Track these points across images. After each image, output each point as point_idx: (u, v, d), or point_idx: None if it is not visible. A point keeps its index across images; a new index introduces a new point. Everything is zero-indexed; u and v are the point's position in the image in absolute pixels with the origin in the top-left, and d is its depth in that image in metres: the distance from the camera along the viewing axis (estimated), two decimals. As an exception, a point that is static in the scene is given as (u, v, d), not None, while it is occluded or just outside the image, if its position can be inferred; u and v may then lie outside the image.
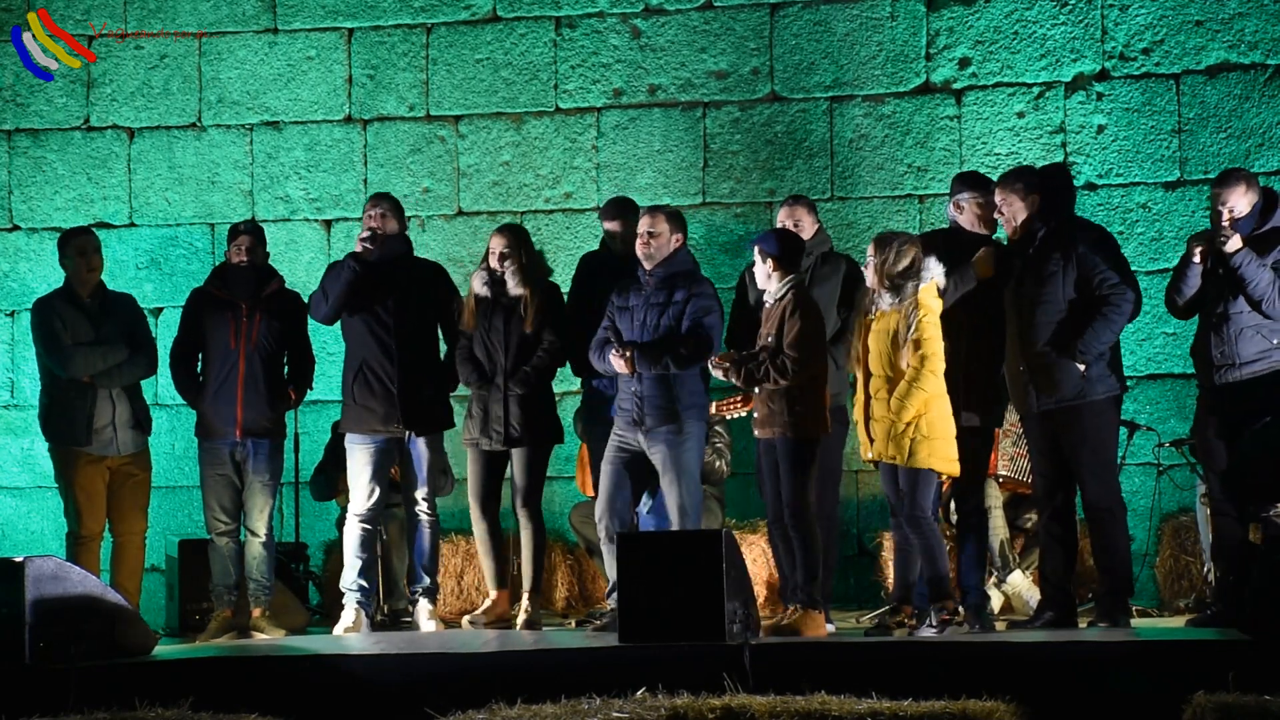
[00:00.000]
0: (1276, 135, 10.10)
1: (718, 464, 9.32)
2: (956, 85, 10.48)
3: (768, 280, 8.24)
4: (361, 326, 9.03)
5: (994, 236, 8.60)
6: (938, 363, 7.90)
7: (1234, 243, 8.01)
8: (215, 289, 9.19)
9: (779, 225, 8.73)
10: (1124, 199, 10.26)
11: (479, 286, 9.10)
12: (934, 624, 7.90)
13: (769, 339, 8.17)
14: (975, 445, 8.38)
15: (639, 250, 8.67)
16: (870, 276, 8.03)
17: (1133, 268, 8.47)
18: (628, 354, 8.46)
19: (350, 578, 9.03)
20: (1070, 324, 8.14)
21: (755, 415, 8.27)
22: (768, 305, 8.27)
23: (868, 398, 8.02)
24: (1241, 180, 8.21)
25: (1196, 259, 8.12)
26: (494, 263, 9.08)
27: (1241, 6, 10.16)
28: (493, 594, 9.20)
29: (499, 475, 9.15)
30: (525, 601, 9.05)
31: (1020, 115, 10.40)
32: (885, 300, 7.96)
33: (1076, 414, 8.16)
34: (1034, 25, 10.41)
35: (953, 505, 8.71)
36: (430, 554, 9.11)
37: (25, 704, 6.99)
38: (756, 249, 8.28)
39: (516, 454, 9.03)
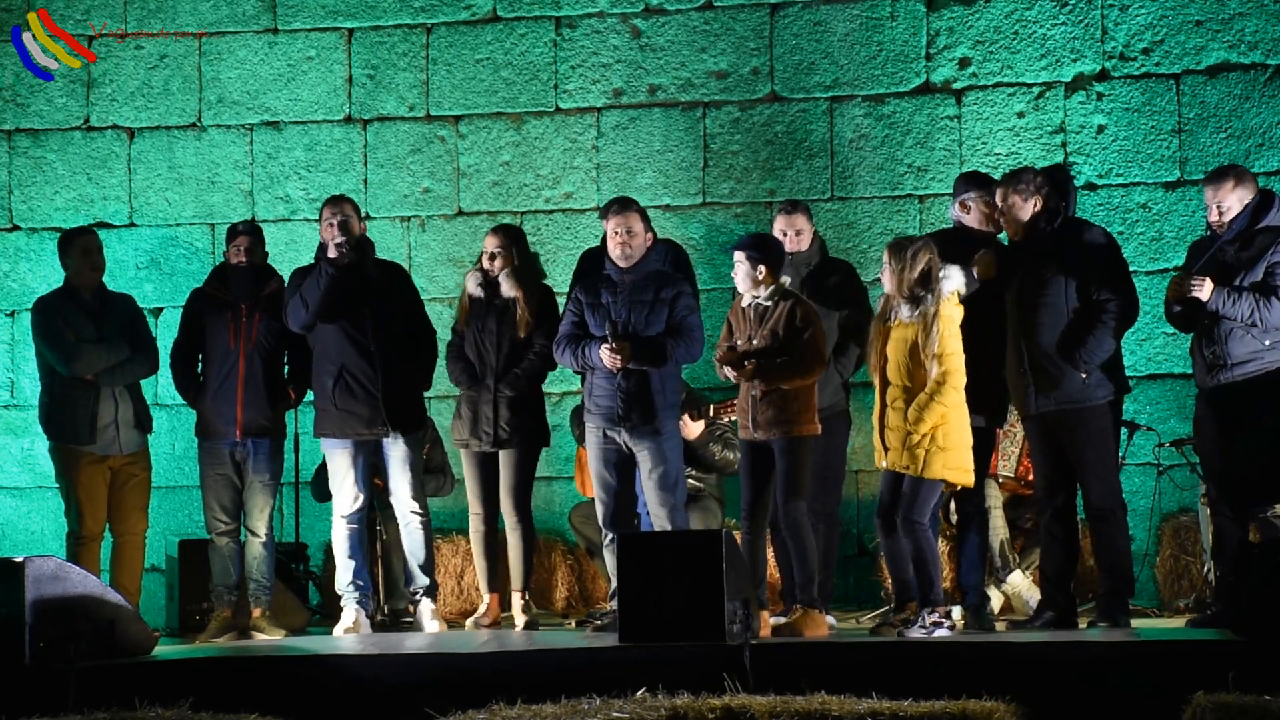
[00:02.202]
0: (1276, 135, 10.10)
1: (730, 455, 9.26)
2: (956, 85, 10.47)
3: (755, 284, 8.24)
4: (336, 331, 8.94)
5: (998, 236, 8.60)
6: (959, 378, 7.87)
7: (1204, 291, 8.00)
8: (214, 289, 9.19)
9: (778, 231, 8.72)
10: (1124, 199, 10.26)
11: (472, 287, 9.10)
12: (924, 625, 7.89)
13: (754, 340, 8.17)
14: (978, 446, 8.37)
15: (616, 249, 8.66)
16: (888, 283, 7.99)
17: (1132, 268, 8.48)
18: (619, 348, 8.44)
19: (345, 579, 9.02)
20: (1073, 330, 8.12)
21: (743, 419, 8.25)
22: (745, 306, 8.29)
23: (884, 406, 7.99)
24: (1230, 177, 8.19)
25: (1176, 307, 8.14)
26: (487, 263, 9.09)
27: (1241, 6, 10.16)
28: (486, 598, 9.20)
29: (494, 475, 9.13)
30: (517, 600, 9.05)
31: (1020, 115, 10.39)
32: (905, 311, 7.92)
33: (1077, 416, 8.15)
34: (1034, 25, 10.40)
35: (953, 505, 8.71)
36: (425, 553, 9.11)
37: (25, 704, 6.98)
38: (742, 254, 8.26)
39: (505, 455, 9.03)
